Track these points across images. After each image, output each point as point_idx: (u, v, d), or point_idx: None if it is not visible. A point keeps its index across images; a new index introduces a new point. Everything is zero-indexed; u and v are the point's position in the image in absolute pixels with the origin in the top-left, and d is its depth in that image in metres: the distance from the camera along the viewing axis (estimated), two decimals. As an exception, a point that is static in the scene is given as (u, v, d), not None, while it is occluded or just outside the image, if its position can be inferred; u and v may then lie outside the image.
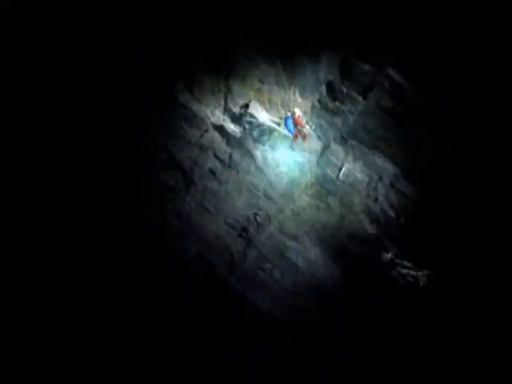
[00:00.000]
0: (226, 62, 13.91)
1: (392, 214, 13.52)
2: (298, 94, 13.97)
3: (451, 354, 12.36)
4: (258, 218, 13.58)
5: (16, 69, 13.28)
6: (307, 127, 13.49)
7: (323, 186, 13.55)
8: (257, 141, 13.81)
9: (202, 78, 13.92)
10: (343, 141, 13.64)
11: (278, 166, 13.68)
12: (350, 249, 13.53)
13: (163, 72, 13.65)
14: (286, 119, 13.27)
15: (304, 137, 13.40)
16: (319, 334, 13.21)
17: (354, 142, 13.57)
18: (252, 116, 13.74)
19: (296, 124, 13.14)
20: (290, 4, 13.75)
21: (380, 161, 13.53)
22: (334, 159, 13.58)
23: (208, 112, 13.92)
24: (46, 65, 13.41)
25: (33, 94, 13.34)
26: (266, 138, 13.80)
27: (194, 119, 13.75)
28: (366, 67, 13.54)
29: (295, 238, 13.57)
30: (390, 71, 13.30)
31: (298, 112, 13.15)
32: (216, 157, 13.92)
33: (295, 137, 13.39)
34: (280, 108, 14.04)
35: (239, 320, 13.24)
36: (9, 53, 13.24)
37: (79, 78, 13.48)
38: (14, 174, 13.10)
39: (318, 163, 13.58)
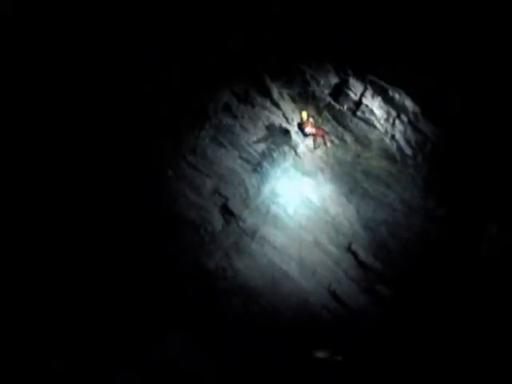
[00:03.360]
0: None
1: (409, 152, 13.35)
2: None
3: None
4: (274, 154, 13.49)
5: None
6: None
7: (340, 122, 13.36)
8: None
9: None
10: (362, 75, 13.36)
11: (294, 100, 13.49)
12: (365, 186, 13.43)
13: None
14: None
15: (323, 136, 13.32)
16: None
17: (373, 77, 13.28)
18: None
19: (305, 127, 13.23)
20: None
21: (399, 97, 13.25)
22: (352, 94, 13.35)
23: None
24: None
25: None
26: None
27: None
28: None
29: (310, 174, 13.49)
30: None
31: (305, 116, 13.23)
32: (232, 92, 13.77)
33: (314, 138, 13.42)
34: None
35: (251, 253, 13.29)
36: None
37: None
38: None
39: (335, 98, 13.34)
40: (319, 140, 13.44)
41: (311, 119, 13.29)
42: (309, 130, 13.22)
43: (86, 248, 12.87)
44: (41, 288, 12.42)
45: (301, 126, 13.35)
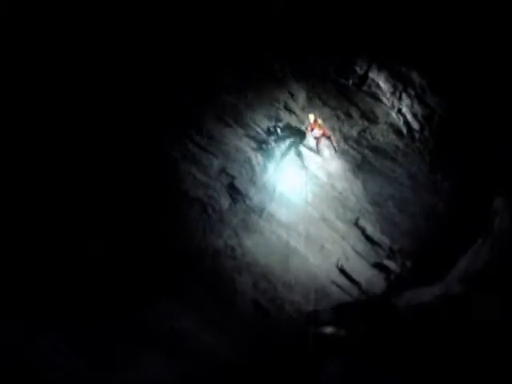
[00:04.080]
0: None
1: (415, 126, 13.23)
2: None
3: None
4: (279, 130, 13.45)
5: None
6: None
7: (345, 97, 13.24)
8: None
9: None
10: (368, 49, 13.16)
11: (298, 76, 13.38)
12: (372, 161, 13.39)
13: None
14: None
15: (329, 138, 13.26)
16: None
17: (379, 51, 13.08)
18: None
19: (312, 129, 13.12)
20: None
21: (406, 70, 13.06)
22: (357, 68, 13.18)
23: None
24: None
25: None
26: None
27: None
28: None
29: (316, 150, 13.45)
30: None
31: (312, 118, 13.07)
32: (234, 71, 13.69)
33: (318, 141, 13.32)
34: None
35: (259, 231, 13.40)
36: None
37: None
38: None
39: (340, 72, 13.18)
40: (323, 143, 13.36)
41: (319, 121, 13.12)
42: (316, 132, 13.11)
43: (98, 229, 13.07)
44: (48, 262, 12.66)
45: (308, 129, 13.27)
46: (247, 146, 13.68)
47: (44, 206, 12.88)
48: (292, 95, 13.53)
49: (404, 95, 13.21)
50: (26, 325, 11.78)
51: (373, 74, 13.22)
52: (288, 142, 13.48)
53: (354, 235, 13.43)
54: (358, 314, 13.00)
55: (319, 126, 13.02)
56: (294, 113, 13.57)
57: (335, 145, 13.30)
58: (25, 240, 12.52)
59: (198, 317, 12.95)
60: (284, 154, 13.45)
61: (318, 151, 13.41)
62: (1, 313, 11.71)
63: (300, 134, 13.53)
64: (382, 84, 13.20)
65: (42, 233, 12.74)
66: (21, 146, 13.18)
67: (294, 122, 13.56)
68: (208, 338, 12.90)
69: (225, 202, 13.46)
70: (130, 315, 12.40)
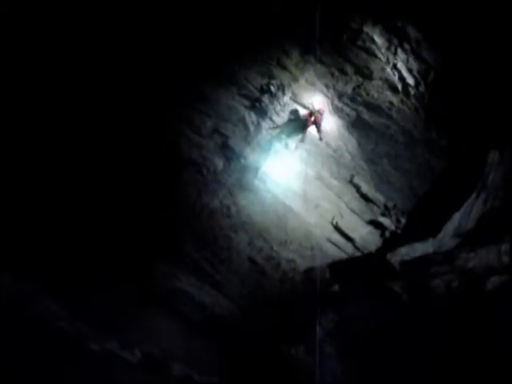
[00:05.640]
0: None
1: (411, 81, 13.06)
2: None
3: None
4: (272, 88, 13.23)
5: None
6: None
7: (339, 53, 12.99)
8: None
9: None
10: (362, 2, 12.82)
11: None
12: (366, 118, 13.28)
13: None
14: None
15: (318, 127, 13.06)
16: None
17: (373, 4, 12.75)
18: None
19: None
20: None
21: (401, 24, 12.79)
22: (352, 24, 12.88)
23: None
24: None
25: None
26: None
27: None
28: None
29: (310, 107, 13.27)
30: None
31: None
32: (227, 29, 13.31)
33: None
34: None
35: (254, 190, 13.37)
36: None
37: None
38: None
39: (333, 27, 12.86)
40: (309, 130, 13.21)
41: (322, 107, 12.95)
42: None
43: (96, 192, 13.02)
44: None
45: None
46: (240, 105, 13.46)
47: (43, 170, 12.80)
48: (286, 52, 13.22)
49: (399, 50, 12.95)
50: (25, 287, 11.87)
51: (367, 29, 12.90)
52: (282, 99, 13.25)
53: (349, 193, 13.47)
54: (352, 271, 13.17)
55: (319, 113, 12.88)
56: (288, 69, 13.28)
57: (321, 135, 13.18)
58: (26, 200, 12.48)
59: (195, 277, 13.12)
60: (278, 112, 13.27)
61: (302, 140, 13.42)
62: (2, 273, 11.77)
63: (294, 91, 13.31)
64: (376, 39, 12.91)
65: (42, 195, 12.69)
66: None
67: (287, 78, 13.28)
68: (205, 297, 13.14)
69: (219, 162, 13.38)
70: (130, 277, 12.55)
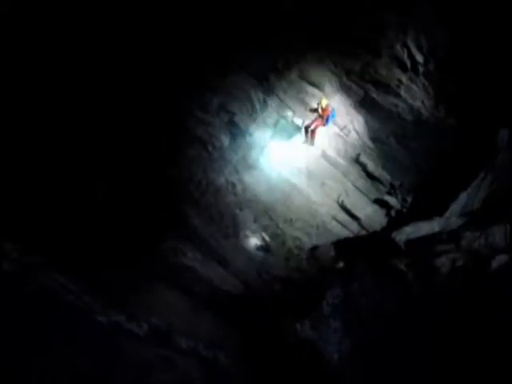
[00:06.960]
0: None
1: (420, 59, 12.86)
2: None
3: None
4: (278, 65, 13.08)
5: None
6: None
7: (349, 29, 12.77)
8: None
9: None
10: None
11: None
12: (374, 96, 13.14)
13: None
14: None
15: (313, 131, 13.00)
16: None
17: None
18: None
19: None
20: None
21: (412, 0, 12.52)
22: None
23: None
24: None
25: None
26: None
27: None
28: None
29: (317, 84, 13.17)
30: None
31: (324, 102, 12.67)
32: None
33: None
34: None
35: (260, 168, 13.34)
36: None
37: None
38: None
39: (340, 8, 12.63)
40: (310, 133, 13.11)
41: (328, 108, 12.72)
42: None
43: (103, 167, 13.00)
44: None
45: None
46: (247, 82, 13.33)
47: (48, 143, 12.77)
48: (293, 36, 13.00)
49: (409, 27, 12.71)
50: (34, 261, 11.96)
51: (377, 5, 12.65)
52: (288, 77, 13.11)
53: (355, 171, 13.46)
54: (357, 249, 13.20)
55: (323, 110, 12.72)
56: (294, 46, 13.09)
57: (311, 139, 13.13)
58: (31, 178, 12.50)
59: (201, 253, 13.21)
60: (285, 90, 13.16)
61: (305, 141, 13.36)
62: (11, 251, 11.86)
63: (301, 69, 13.17)
64: (386, 15, 12.67)
65: (49, 171, 12.69)
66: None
67: (293, 56, 13.10)
68: (211, 273, 13.23)
69: (225, 139, 13.33)
70: (137, 253, 12.60)
